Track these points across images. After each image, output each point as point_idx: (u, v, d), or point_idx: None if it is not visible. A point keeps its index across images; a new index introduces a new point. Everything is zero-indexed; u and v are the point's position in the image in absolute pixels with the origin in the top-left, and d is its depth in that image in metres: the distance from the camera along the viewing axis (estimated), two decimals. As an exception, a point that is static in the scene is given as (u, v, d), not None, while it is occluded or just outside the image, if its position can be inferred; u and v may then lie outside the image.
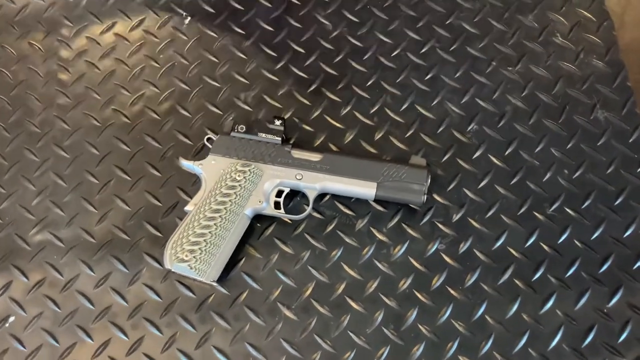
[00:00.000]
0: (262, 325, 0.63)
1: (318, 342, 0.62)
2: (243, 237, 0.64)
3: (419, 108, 0.72)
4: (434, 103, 0.72)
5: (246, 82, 0.74)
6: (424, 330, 0.62)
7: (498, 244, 0.66)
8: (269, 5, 0.78)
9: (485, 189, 0.68)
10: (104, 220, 0.67)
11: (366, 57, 0.75)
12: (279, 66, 0.75)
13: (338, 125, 0.71)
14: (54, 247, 0.67)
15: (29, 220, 0.68)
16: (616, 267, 0.64)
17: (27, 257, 0.66)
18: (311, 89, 0.73)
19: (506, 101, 0.72)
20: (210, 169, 0.65)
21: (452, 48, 0.75)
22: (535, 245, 0.66)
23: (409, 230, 0.66)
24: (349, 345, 0.62)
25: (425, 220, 0.67)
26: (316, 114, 0.72)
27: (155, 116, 0.72)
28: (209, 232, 0.62)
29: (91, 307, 0.64)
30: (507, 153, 0.70)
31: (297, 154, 0.66)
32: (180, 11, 0.78)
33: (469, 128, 0.71)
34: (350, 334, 0.62)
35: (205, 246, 0.61)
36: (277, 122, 0.67)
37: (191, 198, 0.67)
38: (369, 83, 0.74)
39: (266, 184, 0.65)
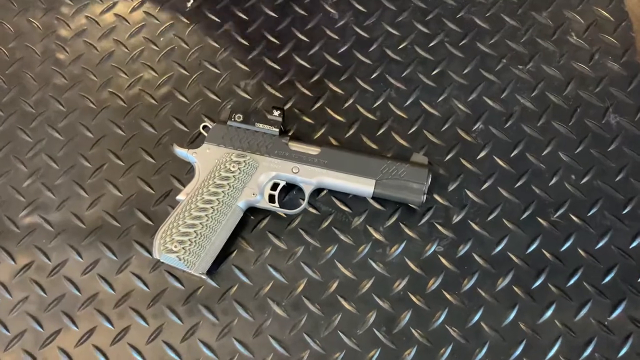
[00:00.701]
0: (251, 321, 0.61)
1: (307, 341, 0.60)
2: (235, 229, 0.63)
3: (423, 104, 0.69)
4: (440, 100, 0.70)
5: (247, 69, 0.72)
6: (416, 335, 0.60)
7: (498, 248, 0.63)
8: (275, -10, 0.76)
9: (488, 191, 0.66)
10: (95, 206, 0.66)
11: (372, 48, 0.73)
12: (281, 54, 0.72)
13: (339, 118, 0.69)
14: (43, 230, 0.65)
15: (19, 202, 0.67)
16: (620, 279, 0.62)
17: (15, 239, 0.65)
18: (313, 79, 0.71)
19: (515, 101, 0.69)
20: (205, 158, 0.63)
21: (461, 43, 0.72)
22: (537, 252, 0.63)
23: (407, 231, 0.64)
24: (338, 345, 0.60)
25: (424, 220, 0.65)
26: (317, 105, 0.70)
27: (152, 101, 0.70)
28: (200, 223, 0.60)
29: (78, 293, 0.63)
30: (512, 155, 0.67)
31: (295, 146, 0.64)
32: (183, -7, 0.76)
33: (475, 127, 0.68)
34: (341, 334, 0.61)
35: (195, 237, 0.60)
36: (276, 113, 0.64)
37: (185, 187, 0.65)
38: (374, 76, 0.71)
39: (261, 177, 0.63)
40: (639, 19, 0.73)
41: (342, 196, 0.66)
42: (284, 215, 0.65)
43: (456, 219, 0.65)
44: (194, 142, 0.68)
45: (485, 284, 0.62)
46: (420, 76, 0.71)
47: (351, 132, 0.68)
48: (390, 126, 0.69)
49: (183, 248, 0.59)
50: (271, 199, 0.64)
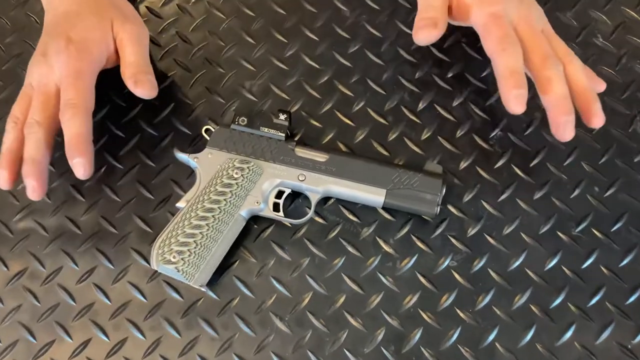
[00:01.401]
0: (252, 336, 0.58)
1: (311, 359, 0.57)
2: (237, 238, 0.60)
3: (438, 108, 0.66)
4: (456, 104, 0.66)
5: (253, 69, 0.68)
6: (427, 354, 0.57)
7: (515, 264, 0.60)
8: (283, -14, 0.72)
9: (505, 202, 0.62)
10: (92, 211, 0.63)
11: (384, 48, 0.69)
12: (288, 53, 0.69)
13: (349, 122, 0.66)
14: (37, 236, 0.63)
15: (13, 205, 0.64)
16: (645, 299, 0.58)
17: (8, 245, 0.62)
18: (322, 80, 0.68)
19: (535, 106, 0.65)
20: (206, 164, 0.60)
21: (479, 44, 0.67)
22: (557, 268, 0.60)
23: (419, 243, 0.61)
24: (344, 364, 0.57)
25: (437, 233, 0.61)
26: (326, 108, 0.66)
27: (153, 101, 0.67)
28: (200, 232, 0.57)
29: (72, 303, 0.60)
30: (532, 164, 0.63)
31: (301, 152, 0.60)
32: (188, -12, 0.73)
33: (493, 134, 0.64)
34: (347, 352, 0.58)
35: (195, 248, 0.56)
36: (282, 117, 0.61)
37: (186, 192, 0.62)
38: (386, 77, 0.67)
39: (265, 184, 0.60)
40: (670, 21, 0.69)
41: (351, 205, 0.62)
42: (288, 225, 0.62)
43: (471, 231, 0.61)
44: (196, 145, 0.65)
45: (501, 302, 0.59)
46: (435, 78, 0.67)
47: (361, 137, 0.65)
48: (403, 131, 0.65)
49: (182, 259, 0.56)
50: (276, 207, 0.61)
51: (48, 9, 0.62)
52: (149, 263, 0.61)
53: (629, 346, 0.57)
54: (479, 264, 0.60)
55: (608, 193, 0.62)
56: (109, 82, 0.68)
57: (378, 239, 0.61)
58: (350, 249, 0.61)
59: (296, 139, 0.65)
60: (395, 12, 0.70)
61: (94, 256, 0.61)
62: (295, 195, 0.62)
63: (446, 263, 0.60)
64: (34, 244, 0.62)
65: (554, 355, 0.57)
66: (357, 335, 0.58)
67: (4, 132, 0.58)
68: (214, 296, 0.60)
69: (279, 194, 0.61)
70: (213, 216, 0.57)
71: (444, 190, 0.59)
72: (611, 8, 0.69)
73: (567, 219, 0.61)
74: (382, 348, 0.58)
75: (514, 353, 0.57)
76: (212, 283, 0.59)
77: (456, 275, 0.60)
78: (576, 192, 0.62)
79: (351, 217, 0.62)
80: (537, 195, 0.62)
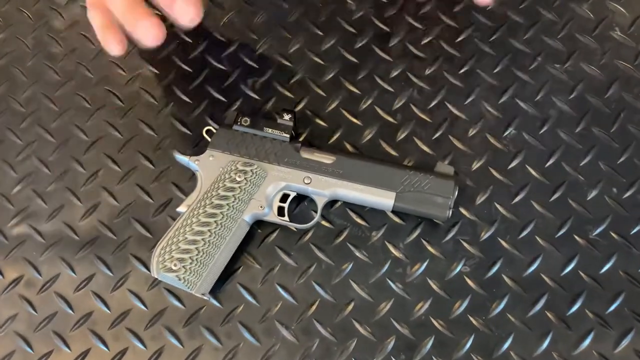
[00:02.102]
0: (257, 346, 0.56)
1: (318, 370, 0.55)
2: (241, 244, 0.57)
3: (449, 106, 0.63)
4: (468, 102, 0.63)
5: (255, 66, 0.65)
6: (438, 364, 0.55)
7: (530, 269, 0.57)
8: (286, -22, 0.69)
9: (519, 205, 0.59)
10: (89, 216, 0.61)
11: (392, 43, 0.66)
12: (293, 49, 0.66)
13: (356, 121, 0.63)
14: (33, 242, 0.60)
15: (7, 210, 0.61)
16: (667, 306, 0.56)
17: (4, 251, 0.60)
18: (328, 77, 0.65)
19: (551, 104, 0.63)
20: (208, 166, 0.57)
21: (492, 38, 0.65)
22: (574, 273, 0.57)
23: (430, 248, 0.58)
24: (352, 375, 0.55)
25: (448, 237, 0.59)
26: (332, 107, 0.64)
27: (152, 100, 0.64)
28: (202, 239, 0.54)
29: (70, 312, 0.58)
30: (547, 165, 0.61)
31: (307, 154, 0.58)
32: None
33: (506, 133, 0.62)
34: (355, 362, 0.55)
35: (197, 255, 0.54)
36: (287, 117, 0.58)
37: (186, 196, 0.60)
38: (394, 74, 0.64)
39: (270, 187, 0.57)
40: (691, 12, 0.66)
41: (359, 209, 0.60)
42: (294, 229, 0.59)
43: (484, 235, 0.58)
44: (197, 146, 0.62)
45: (516, 309, 0.56)
46: (446, 75, 0.64)
47: (369, 136, 0.62)
48: (412, 131, 0.62)
49: (183, 267, 0.54)
50: (280, 211, 0.58)
51: None
52: (149, 270, 0.58)
53: (650, 355, 0.55)
54: (492, 270, 0.57)
55: (627, 194, 0.59)
56: (107, 80, 0.66)
57: (387, 243, 0.59)
58: (358, 254, 0.58)
59: (301, 139, 0.62)
60: (404, 6, 0.67)
61: (92, 263, 0.59)
62: (301, 198, 0.60)
63: (458, 268, 0.58)
64: (29, 251, 0.60)
65: (571, 364, 0.55)
66: (366, 345, 0.56)
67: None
68: (217, 304, 0.57)
69: (284, 198, 0.58)
70: (215, 222, 0.55)
71: (456, 193, 0.57)
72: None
73: (585, 222, 0.59)
74: (393, 357, 0.55)
75: (529, 362, 0.55)
76: (215, 291, 0.57)
77: (469, 281, 0.57)
78: (593, 194, 0.60)
79: (359, 221, 0.59)
80: (553, 197, 0.60)
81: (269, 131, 0.58)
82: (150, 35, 0.52)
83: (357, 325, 0.56)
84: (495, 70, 0.64)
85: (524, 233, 0.59)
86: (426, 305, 0.57)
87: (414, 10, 0.67)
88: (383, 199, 0.56)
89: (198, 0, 0.53)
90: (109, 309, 0.58)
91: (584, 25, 0.66)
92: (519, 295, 0.57)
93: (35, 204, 0.61)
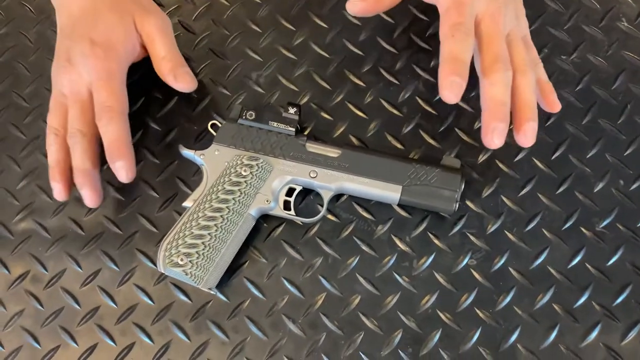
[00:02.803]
0: (264, 340, 0.56)
1: (325, 363, 0.55)
2: (247, 238, 0.57)
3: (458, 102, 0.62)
4: (473, 94, 0.63)
5: (259, 59, 0.65)
6: (446, 357, 0.55)
7: (537, 262, 0.57)
8: (290, -30, 0.69)
9: (526, 197, 0.59)
10: (95, 211, 0.60)
11: (397, 35, 0.65)
12: (296, 42, 0.66)
13: (361, 114, 0.63)
14: (39, 237, 0.60)
15: (12, 205, 0.61)
16: (674, 298, 0.56)
17: (9, 247, 0.60)
18: (332, 70, 0.64)
19: (557, 96, 0.62)
20: (213, 161, 0.57)
21: (497, 30, 0.65)
22: (580, 266, 0.57)
23: (436, 241, 0.58)
24: (360, 368, 0.55)
25: (455, 230, 0.58)
26: (337, 100, 0.63)
27: (157, 94, 0.64)
28: (208, 234, 0.54)
29: (77, 307, 0.58)
30: (554, 157, 0.60)
31: (313, 147, 0.58)
32: (189, -27, 0.69)
33: (512, 126, 0.61)
34: (363, 355, 0.55)
35: (204, 250, 0.54)
36: (292, 110, 0.58)
37: (192, 190, 0.60)
38: (399, 66, 0.64)
39: (275, 181, 0.57)
40: (698, 2, 0.65)
41: (365, 202, 0.60)
42: (300, 223, 0.59)
43: (491, 228, 0.58)
44: (202, 140, 0.62)
45: (523, 302, 0.56)
46: (451, 67, 0.64)
47: (374, 129, 0.62)
48: (418, 123, 0.62)
49: (190, 261, 0.54)
50: (286, 205, 0.58)
51: (60, 10, 0.59)
52: (155, 265, 0.58)
53: (657, 347, 0.55)
54: (499, 262, 0.57)
55: (634, 186, 0.59)
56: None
57: (393, 237, 0.59)
58: (364, 248, 0.58)
59: (306, 132, 0.62)
60: (408, -3, 0.67)
61: (98, 258, 0.59)
62: (307, 191, 0.60)
63: (465, 262, 0.58)
64: (35, 246, 0.60)
65: (578, 356, 0.55)
66: (373, 338, 0.56)
67: (46, 145, 0.56)
68: (224, 298, 0.57)
69: (290, 192, 0.58)
70: (221, 216, 0.55)
71: (463, 186, 0.56)
72: (636, -10, 0.66)
73: (591, 214, 0.58)
74: (400, 351, 0.55)
75: (536, 355, 0.55)
76: (221, 285, 0.57)
77: (475, 274, 0.57)
78: (600, 186, 0.59)
79: (365, 214, 0.59)
80: (559, 190, 0.59)
81: (275, 125, 0.58)
82: (122, 176, 0.55)
83: (363, 318, 0.56)
84: (501, 62, 0.63)
85: (531, 226, 0.58)
86: (433, 299, 0.57)
87: (418, 2, 0.66)
88: (389, 192, 0.56)
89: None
90: (115, 304, 0.58)
91: (590, 16, 0.65)
92: (526, 288, 0.57)
93: (40, 199, 0.61)
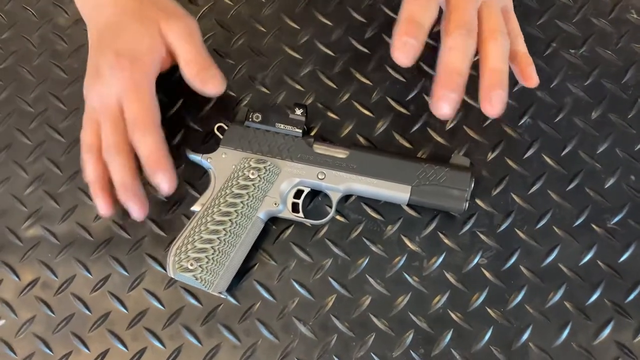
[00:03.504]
0: (275, 342, 0.56)
1: (337, 365, 0.55)
2: (256, 241, 0.57)
3: (463, 96, 0.61)
4: (481, 90, 0.62)
5: (264, 59, 0.64)
6: (458, 357, 0.55)
7: (548, 260, 0.57)
8: (293, -33, 0.68)
9: (536, 195, 0.59)
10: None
11: (403, 32, 0.65)
12: (301, 41, 0.65)
13: (368, 113, 0.62)
14: (48, 243, 0.60)
15: (20, 212, 0.61)
16: (687, 294, 0.55)
17: (18, 253, 0.60)
18: (338, 69, 0.64)
19: (566, 90, 0.62)
20: (220, 164, 0.57)
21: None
22: (592, 263, 0.57)
23: (446, 241, 0.58)
24: (372, 369, 0.55)
25: (465, 229, 0.58)
26: (343, 99, 0.63)
27: (162, 96, 0.63)
28: (218, 238, 0.54)
29: (88, 312, 0.58)
30: (564, 153, 0.60)
31: (320, 149, 0.57)
32: (191, -27, 0.68)
33: (521, 122, 0.61)
34: (374, 356, 0.55)
35: (213, 254, 0.54)
36: (298, 111, 0.58)
37: (199, 193, 0.60)
38: (406, 64, 0.63)
39: (283, 184, 0.57)
40: None
41: (373, 202, 0.59)
42: (309, 225, 0.59)
43: (501, 227, 0.58)
44: (208, 143, 0.61)
45: (534, 300, 0.56)
46: (458, 64, 0.63)
47: (382, 129, 0.61)
48: (426, 122, 0.61)
49: (200, 266, 0.54)
50: (295, 207, 0.58)
51: (89, 24, 0.58)
52: (164, 269, 0.58)
53: (670, 343, 0.54)
54: (510, 261, 0.57)
55: (645, 182, 0.59)
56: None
57: (403, 237, 0.58)
58: (374, 248, 0.58)
59: (313, 133, 0.61)
60: (413, -7, 0.66)
61: (108, 263, 0.59)
62: (315, 192, 0.59)
63: (475, 261, 0.57)
64: (44, 252, 0.60)
65: (591, 354, 0.54)
66: (384, 339, 0.56)
67: (82, 162, 0.55)
68: (234, 302, 0.57)
69: (298, 194, 0.58)
70: (230, 220, 0.55)
71: (472, 185, 0.56)
72: (646, -19, 0.65)
73: (602, 211, 0.58)
74: (411, 351, 0.55)
75: (548, 353, 0.55)
76: (231, 288, 0.57)
77: (486, 273, 0.57)
78: (611, 182, 0.59)
79: (374, 215, 0.59)
80: (570, 186, 0.59)
81: (281, 127, 0.57)
82: (164, 189, 0.54)
83: (374, 319, 0.56)
84: (509, 58, 0.63)
85: (541, 223, 0.58)
86: (444, 299, 0.56)
87: (425, -3, 0.65)
88: (398, 192, 0.56)
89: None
90: (126, 309, 0.58)
91: (599, 9, 0.64)
92: (537, 286, 0.56)
93: (48, 205, 0.61)
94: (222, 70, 0.63)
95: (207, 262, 0.54)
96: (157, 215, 0.60)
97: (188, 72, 0.56)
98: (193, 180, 0.61)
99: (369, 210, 0.59)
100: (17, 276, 0.59)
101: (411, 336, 0.56)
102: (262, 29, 0.65)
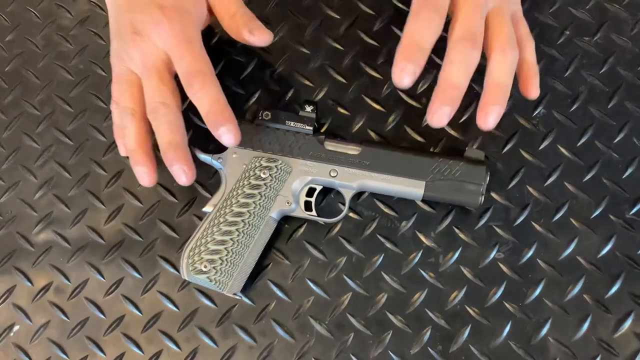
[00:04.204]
0: (292, 342, 0.56)
1: (355, 364, 0.55)
2: (269, 240, 0.56)
3: (475, 87, 0.60)
4: (494, 81, 0.61)
5: (272, 55, 0.63)
6: (477, 353, 0.54)
7: (566, 253, 0.56)
8: (298, -40, 0.66)
9: (552, 187, 0.58)
10: (114, 219, 0.60)
11: (413, 23, 0.63)
12: (309, 35, 0.64)
13: (379, 107, 0.61)
14: (59, 248, 0.60)
15: (31, 216, 0.61)
16: None
17: (30, 258, 0.60)
18: (347, 63, 0.63)
19: (581, 79, 0.60)
20: (231, 164, 0.56)
21: (517, 13, 0.63)
22: (611, 255, 0.56)
23: (462, 236, 0.57)
24: (390, 368, 0.55)
25: (481, 223, 0.57)
26: (353, 94, 0.62)
27: (168, 96, 0.63)
28: (231, 239, 0.54)
29: (102, 316, 0.58)
30: (580, 143, 0.59)
31: (332, 146, 0.56)
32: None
33: (536, 112, 0.60)
34: (392, 354, 0.55)
35: (227, 255, 0.53)
36: (309, 109, 0.57)
37: (210, 193, 0.59)
38: (416, 56, 0.62)
39: (295, 182, 0.56)
40: None
41: (387, 199, 0.58)
42: (322, 223, 0.58)
43: (517, 220, 0.57)
44: (218, 142, 0.60)
45: (553, 294, 0.55)
46: (469, 54, 0.62)
47: (393, 123, 0.60)
48: (438, 115, 0.60)
49: (213, 268, 0.53)
50: (307, 206, 0.57)
51: None
52: (178, 271, 0.58)
53: (692, 335, 0.53)
54: (527, 255, 0.56)
55: (664, 171, 0.57)
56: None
57: (418, 233, 0.57)
58: (388, 245, 0.57)
59: (323, 129, 0.60)
60: (422, -17, 0.64)
61: (120, 267, 0.59)
62: (327, 190, 0.58)
63: (492, 255, 0.56)
64: (56, 257, 0.59)
65: (611, 347, 0.54)
66: (401, 336, 0.55)
67: (118, 132, 0.54)
68: (249, 302, 0.57)
69: (310, 192, 0.57)
70: (243, 220, 0.54)
71: (488, 179, 0.55)
72: (660, -36, 0.63)
73: (620, 201, 0.57)
74: (429, 348, 0.55)
75: (568, 347, 0.54)
76: (246, 288, 0.56)
77: (503, 268, 0.56)
78: (629, 171, 0.58)
79: (388, 211, 0.58)
80: (587, 177, 0.58)
81: (292, 124, 0.56)
82: (229, 141, 0.52)
83: (391, 317, 0.56)
84: (522, 47, 0.61)
85: (558, 215, 0.57)
86: (461, 294, 0.56)
87: (434, -13, 0.64)
88: (412, 188, 0.55)
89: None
90: (140, 312, 0.58)
91: (613, -6, 0.63)
92: (555, 279, 0.56)
93: (59, 209, 0.61)
94: (229, 68, 0.63)
95: (221, 264, 0.53)
96: (169, 217, 0.59)
97: (236, 23, 0.54)
98: (204, 180, 0.60)
99: (382, 207, 0.58)
100: (30, 281, 0.59)
101: (429, 333, 0.55)
102: (269, 24, 0.64)
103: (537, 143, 0.59)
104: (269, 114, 0.57)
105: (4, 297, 0.59)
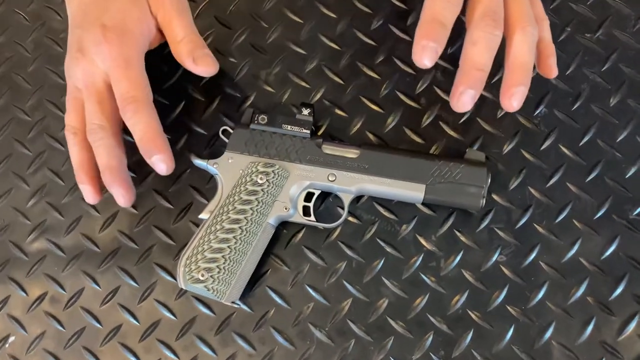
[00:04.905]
0: (292, 350, 0.55)
1: (356, 371, 0.54)
2: (267, 246, 0.55)
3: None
4: (494, 80, 0.60)
5: (267, 56, 0.62)
6: (479, 357, 0.54)
7: (569, 255, 0.55)
8: (292, -43, 0.65)
9: (554, 187, 0.57)
10: (109, 226, 0.59)
11: (411, 21, 0.62)
12: (305, 35, 0.62)
13: (377, 109, 0.60)
14: (54, 256, 0.59)
15: (24, 225, 0.60)
16: None
17: (24, 268, 0.59)
18: (344, 63, 0.61)
19: (583, 77, 0.59)
20: (227, 170, 0.55)
21: (516, 10, 0.61)
22: (615, 256, 0.55)
23: (463, 239, 0.56)
24: (391, 374, 0.54)
25: (482, 226, 0.56)
26: (351, 95, 0.60)
27: (163, 100, 0.61)
28: (228, 247, 0.53)
29: (99, 326, 0.57)
30: (582, 143, 0.58)
31: (330, 149, 0.55)
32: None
33: (537, 112, 0.59)
34: (394, 360, 0.54)
35: (224, 263, 0.52)
36: (305, 111, 0.55)
37: (206, 199, 0.58)
38: (414, 55, 0.61)
39: (293, 187, 0.55)
40: None
41: (386, 202, 0.57)
42: (321, 228, 0.57)
43: (519, 222, 0.56)
44: (213, 146, 0.59)
45: (556, 297, 0.54)
46: (469, 53, 0.60)
47: (392, 124, 0.59)
48: (438, 115, 0.59)
49: (211, 276, 0.52)
50: (306, 211, 0.56)
51: (72, 1, 0.54)
52: (175, 279, 0.57)
53: (698, 336, 0.53)
54: (529, 257, 0.55)
55: (668, 170, 0.57)
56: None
57: (418, 236, 0.56)
58: (389, 249, 0.56)
59: (321, 132, 0.59)
60: (419, -20, 0.63)
61: (116, 275, 0.58)
62: (325, 194, 0.57)
63: (494, 258, 0.56)
64: (51, 266, 0.58)
65: (616, 350, 0.53)
66: (403, 342, 0.54)
67: (67, 146, 0.54)
68: (248, 310, 0.56)
69: (308, 197, 0.56)
70: (240, 227, 0.53)
71: (489, 181, 0.54)
72: (663, -43, 0.62)
73: (624, 202, 0.56)
74: (431, 354, 0.54)
75: (572, 351, 0.53)
76: (244, 295, 0.55)
77: (506, 271, 0.55)
78: (632, 171, 0.57)
79: (388, 214, 0.57)
80: (589, 177, 0.57)
81: (288, 128, 0.55)
82: (161, 169, 0.52)
83: (392, 323, 0.55)
84: (522, 45, 0.60)
85: (561, 217, 0.56)
86: (463, 298, 0.55)
87: (431, -16, 0.63)
88: (412, 192, 0.54)
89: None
90: (137, 321, 0.57)
91: (617, -13, 0.61)
92: (559, 282, 0.55)
93: (52, 217, 0.60)
94: (224, 69, 0.62)
95: (219, 272, 0.52)
96: (164, 223, 0.58)
97: (180, 50, 0.53)
98: (199, 185, 0.59)
99: (382, 210, 0.57)
100: (25, 291, 0.58)
101: (431, 338, 0.54)
102: (264, 24, 0.63)
103: (538, 143, 0.58)
104: (265, 117, 0.55)
105: (-2, 308, 0.58)
